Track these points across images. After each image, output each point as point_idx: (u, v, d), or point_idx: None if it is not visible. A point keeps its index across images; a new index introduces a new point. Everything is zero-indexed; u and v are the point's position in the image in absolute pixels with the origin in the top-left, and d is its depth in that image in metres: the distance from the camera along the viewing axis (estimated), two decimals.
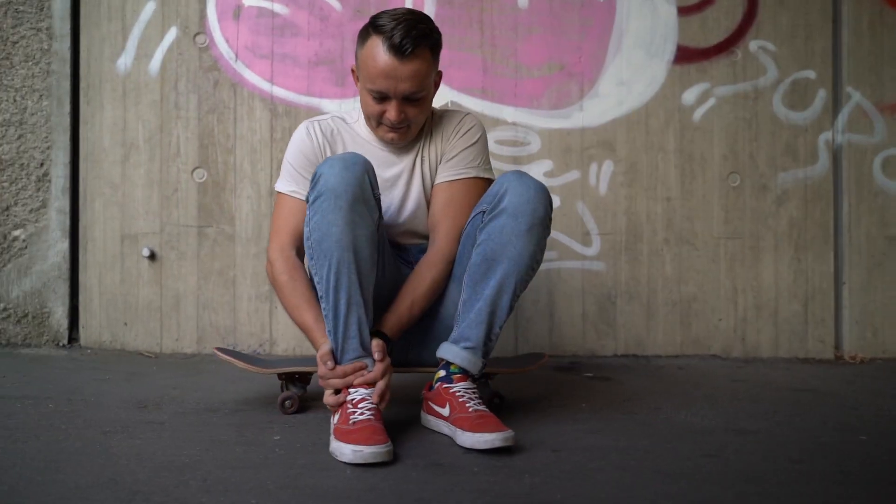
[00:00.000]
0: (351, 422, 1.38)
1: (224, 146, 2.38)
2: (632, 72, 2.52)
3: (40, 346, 2.34)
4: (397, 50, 1.52)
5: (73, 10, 2.35)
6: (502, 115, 2.48)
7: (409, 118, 1.62)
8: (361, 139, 1.74)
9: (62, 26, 2.34)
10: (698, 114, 2.54)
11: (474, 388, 1.53)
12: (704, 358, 2.53)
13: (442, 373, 1.55)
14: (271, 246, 1.68)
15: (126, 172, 2.37)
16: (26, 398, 1.73)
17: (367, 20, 2.28)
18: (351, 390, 1.44)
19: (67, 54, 2.34)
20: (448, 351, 1.54)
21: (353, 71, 1.68)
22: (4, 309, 2.34)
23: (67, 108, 2.34)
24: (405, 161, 1.73)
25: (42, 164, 2.34)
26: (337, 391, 1.46)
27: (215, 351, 1.70)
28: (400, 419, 1.62)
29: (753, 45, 2.56)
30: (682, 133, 2.54)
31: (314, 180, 1.47)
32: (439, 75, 1.74)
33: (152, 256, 2.36)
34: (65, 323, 2.36)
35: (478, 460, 1.35)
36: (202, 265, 2.37)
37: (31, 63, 2.34)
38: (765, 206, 2.57)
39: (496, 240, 1.51)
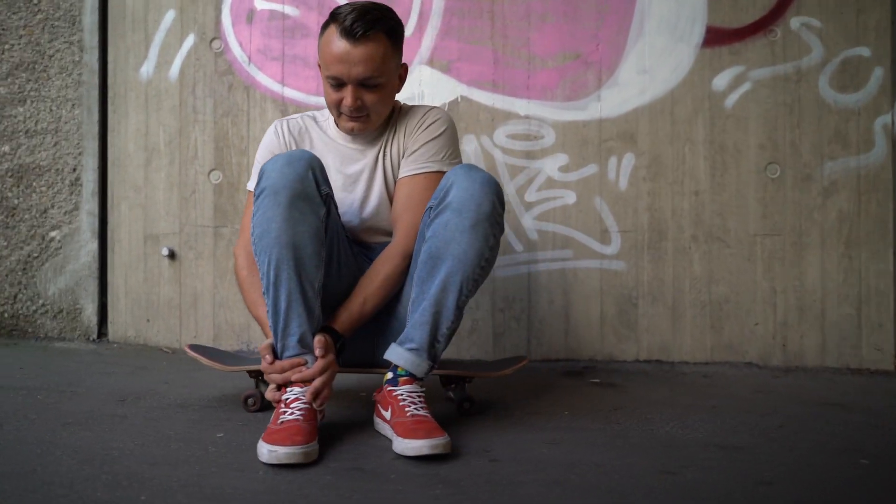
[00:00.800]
0: (279, 421, 1.36)
1: (238, 148, 2.43)
2: (655, 58, 2.35)
3: (73, 341, 2.48)
4: (348, 33, 1.53)
5: (102, 23, 2.48)
6: (514, 109, 2.38)
7: (367, 105, 1.60)
8: (327, 136, 1.73)
9: (91, 39, 2.47)
10: (731, 100, 2.34)
11: (420, 392, 1.47)
12: (738, 366, 2.32)
13: (390, 375, 1.50)
14: (237, 243, 1.70)
15: (148, 176, 2.47)
16: (23, 389, 1.83)
17: None
18: (288, 389, 1.42)
19: (96, 65, 2.47)
20: (393, 352, 1.49)
21: (319, 66, 1.66)
22: (42, 305, 2.50)
23: (96, 115, 2.47)
24: (368, 157, 1.69)
25: (75, 170, 2.48)
26: (279, 387, 1.45)
27: (185, 349, 1.73)
28: (360, 421, 1.59)
29: (795, 21, 2.32)
30: (713, 121, 2.34)
31: (259, 177, 1.47)
32: (404, 68, 1.71)
33: (172, 256, 2.45)
34: (94, 319, 2.49)
35: (403, 467, 1.29)
36: (218, 264, 2.44)
37: (64, 74, 2.49)
38: (809, 198, 2.32)
39: (440, 237, 1.45)
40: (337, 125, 1.70)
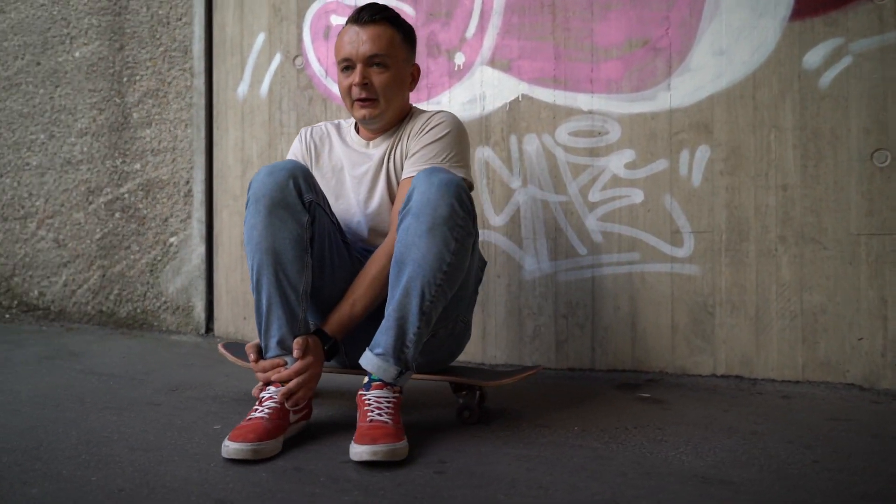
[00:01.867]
0: (248, 418, 1.43)
1: None
2: (733, 37, 2.10)
3: (186, 334, 2.80)
4: (356, 19, 1.69)
5: (207, 50, 2.77)
6: (577, 104, 2.26)
7: (375, 87, 1.67)
8: (345, 142, 1.79)
9: (199, 65, 2.77)
10: (827, 78, 2.01)
11: (388, 398, 1.46)
12: (836, 387, 1.99)
13: (365, 379, 1.51)
14: None
15: (244, 185, 2.70)
16: (107, 375, 2.10)
17: (439, 22, 2.38)
18: (267, 388, 1.50)
19: (203, 88, 2.76)
20: (364, 357, 1.50)
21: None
22: (164, 302, 2.85)
23: (203, 133, 2.77)
24: (374, 159, 1.72)
25: (188, 182, 2.80)
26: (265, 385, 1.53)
27: (219, 347, 1.88)
28: (352, 422, 1.62)
29: None
30: (804, 104, 2.03)
31: (248, 186, 1.56)
32: (416, 69, 1.75)
33: None
34: (203, 316, 2.78)
35: (343, 471, 1.31)
36: None
37: (179, 98, 2.81)
38: None
39: (403, 241, 1.44)
40: (352, 114, 1.74)
